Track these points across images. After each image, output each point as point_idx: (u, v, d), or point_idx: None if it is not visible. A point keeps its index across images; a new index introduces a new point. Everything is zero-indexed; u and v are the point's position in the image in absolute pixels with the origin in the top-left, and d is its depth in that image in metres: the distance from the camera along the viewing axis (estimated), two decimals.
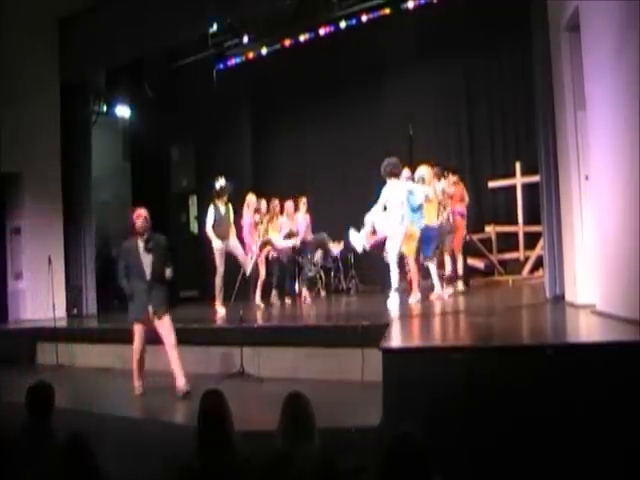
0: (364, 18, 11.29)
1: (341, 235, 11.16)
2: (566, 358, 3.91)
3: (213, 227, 9.01)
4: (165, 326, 6.27)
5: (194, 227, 13.65)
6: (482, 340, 5.07)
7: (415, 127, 10.39)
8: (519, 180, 10.34)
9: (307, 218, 10.51)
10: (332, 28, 11.62)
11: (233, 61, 13.03)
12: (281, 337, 6.95)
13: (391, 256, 7.74)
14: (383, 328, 5.63)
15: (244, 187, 10.38)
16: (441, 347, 4.73)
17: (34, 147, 11.08)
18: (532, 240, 9.98)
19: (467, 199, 9.11)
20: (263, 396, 5.93)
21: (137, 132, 13.97)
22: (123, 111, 13.58)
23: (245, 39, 11.88)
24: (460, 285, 8.58)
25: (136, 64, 12.03)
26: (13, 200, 11.48)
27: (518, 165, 10.35)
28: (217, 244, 9.00)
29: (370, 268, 10.58)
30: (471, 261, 9.93)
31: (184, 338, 6.57)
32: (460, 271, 8.72)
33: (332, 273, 11.22)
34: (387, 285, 8.21)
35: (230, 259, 9.18)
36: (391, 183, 7.80)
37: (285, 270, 10.09)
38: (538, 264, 9.49)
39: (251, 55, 12.71)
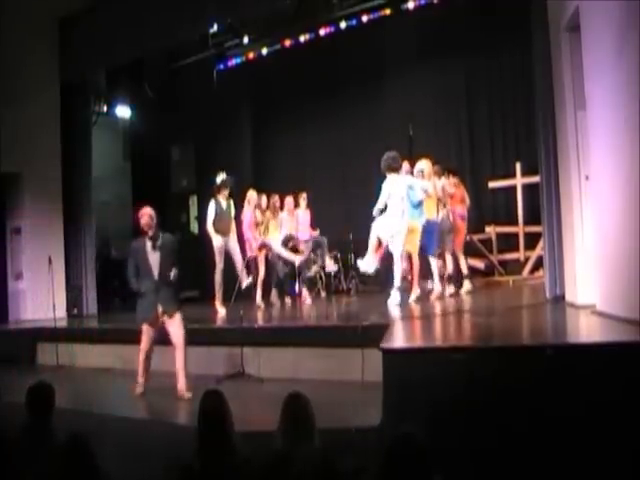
0: (364, 18, 11.28)
1: (341, 235, 11.29)
2: (566, 358, 3.91)
3: (214, 222, 9.00)
4: (175, 324, 6.24)
5: (194, 227, 13.66)
6: (482, 340, 5.07)
7: (415, 127, 10.37)
8: (519, 180, 10.33)
9: (308, 214, 10.51)
10: (332, 28, 11.60)
11: (233, 61, 13.02)
12: (281, 337, 6.95)
13: (395, 254, 7.73)
14: (383, 328, 5.63)
15: (244, 187, 10.35)
16: (441, 347, 4.72)
17: (34, 147, 11.08)
18: (532, 240, 9.97)
19: (468, 201, 9.11)
20: (263, 396, 5.93)
21: (137, 132, 13.99)
22: (123, 111, 13.60)
23: (245, 39, 11.88)
24: (467, 285, 8.57)
25: (136, 64, 12.04)
26: (13, 200, 11.48)
27: (518, 165, 10.35)
28: (217, 242, 9.00)
29: None
30: (471, 261, 9.92)
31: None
32: (465, 271, 8.71)
33: (332, 273, 11.22)
34: (387, 285, 8.22)
35: (230, 259, 9.18)
36: (391, 178, 7.80)
37: (285, 269, 10.07)
38: (538, 264, 9.48)
39: (251, 55, 12.70)
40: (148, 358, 6.40)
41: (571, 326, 5.51)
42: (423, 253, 8.17)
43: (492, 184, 10.68)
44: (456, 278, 8.63)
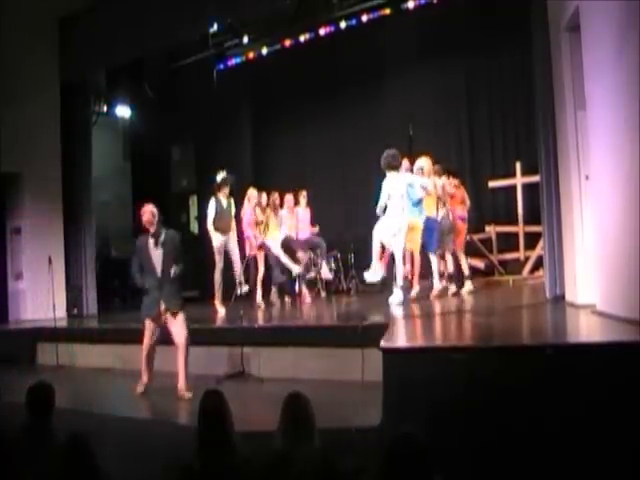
0: (364, 18, 11.28)
1: (341, 235, 11.29)
2: (566, 358, 3.91)
3: (214, 220, 9.00)
4: (177, 324, 6.22)
5: (194, 227, 13.66)
6: (482, 340, 5.07)
7: (415, 127, 10.35)
8: (519, 180, 10.33)
9: (308, 212, 10.52)
10: (332, 28, 11.60)
11: (233, 61, 13.02)
12: (281, 337, 6.95)
13: (397, 252, 7.73)
14: (383, 328, 5.63)
15: (245, 185, 10.35)
16: (441, 347, 4.72)
17: (34, 147, 11.08)
18: (532, 240, 9.97)
19: (468, 203, 9.10)
20: (263, 396, 5.94)
21: (137, 132, 14.00)
22: (123, 111, 13.60)
23: (245, 39, 11.87)
24: (468, 285, 8.56)
25: (136, 64, 12.04)
26: (13, 200, 11.48)
27: (518, 165, 10.35)
28: (217, 241, 9.00)
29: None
30: (471, 261, 9.92)
31: None
32: (466, 271, 8.71)
33: (332, 273, 11.22)
34: (387, 285, 8.21)
35: (229, 259, 9.18)
36: (391, 176, 7.79)
37: (281, 278, 10.04)
38: (538, 264, 9.49)
39: (251, 55, 12.70)
40: (150, 356, 6.38)
41: (571, 326, 5.51)
42: (423, 250, 8.18)
43: (492, 184, 10.69)
44: (457, 278, 8.62)
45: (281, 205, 10.17)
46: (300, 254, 10.12)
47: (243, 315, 7.10)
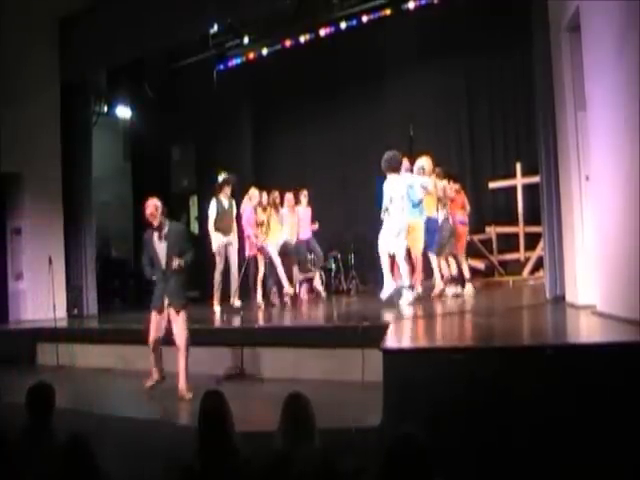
0: (364, 19, 11.27)
1: (341, 235, 11.29)
2: (566, 359, 3.91)
3: (215, 221, 8.98)
4: (178, 323, 6.18)
5: (195, 227, 13.66)
6: (483, 341, 5.07)
7: (416, 127, 10.38)
8: (519, 181, 10.33)
9: (309, 211, 10.51)
10: (332, 29, 11.59)
11: (233, 61, 13.01)
12: (282, 337, 6.95)
13: (399, 254, 7.72)
14: (383, 329, 5.63)
15: (245, 186, 10.35)
16: (442, 348, 4.73)
17: (34, 147, 11.08)
18: (532, 241, 9.97)
19: (468, 208, 9.14)
20: (264, 397, 5.94)
21: (137, 132, 14.00)
22: (124, 111, 13.60)
23: (245, 39, 11.87)
24: (469, 288, 8.55)
25: (136, 64, 12.03)
26: (13, 200, 11.47)
27: (519, 166, 10.35)
28: (217, 242, 8.99)
29: (370, 268, 10.57)
30: (472, 262, 9.93)
31: None
32: (467, 274, 8.70)
33: (332, 274, 11.22)
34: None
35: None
36: (391, 178, 7.79)
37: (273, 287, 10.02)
38: (538, 265, 9.49)
39: (251, 55, 12.69)
40: (156, 351, 6.32)
41: (571, 326, 5.51)
42: (424, 250, 8.18)
43: (492, 184, 10.69)
44: (459, 280, 8.64)
45: (281, 204, 10.17)
46: (295, 271, 10.11)
47: (243, 315, 7.10)
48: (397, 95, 11.56)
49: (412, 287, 8.05)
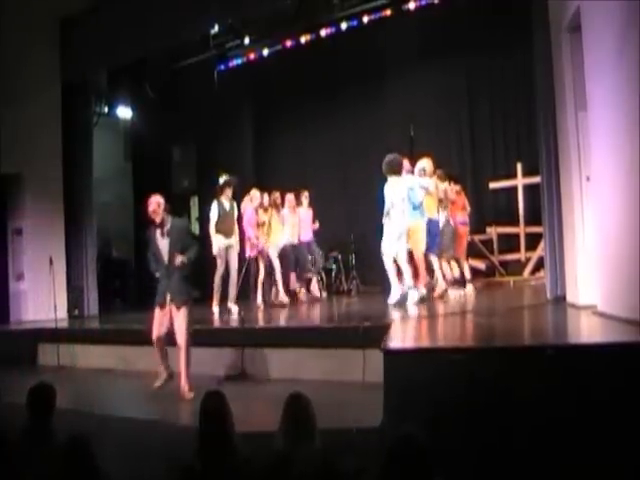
0: (365, 19, 11.26)
1: (342, 236, 11.29)
2: (567, 359, 3.91)
3: (216, 223, 8.99)
4: (179, 320, 6.14)
5: (195, 228, 13.65)
6: (483, 341, 5.07)
7: (416, 127, 10.37)
8: (520, 181, 10.33)
9: (310, 212, 10.51)
10: (333, 29, 11.58)
11: (234, 62, 13.00)
12: (282, 338, 6.95)
13: (400, 255, 7.71)
14: (384, 329, 5.63)
15: (246, 186, 10.35)
16: (442, 348, 4.72)
17: (35, 147, 11.08)
18: (533, 241, 9.97)
19: (469, 209, 9.16)
20: (264, 397, 5.93)
21: (138, 133, 14.00)
22: (124, 112, 13.61)
23: (246, 40, 11.87)
24: (470, 289, 8.54)
25: (138, 64, 12.02)
26: (14, 201, 11.48)
27: (519, 166, 10.35)
28: (218, 245, 8.98)
29: (371, 269, 10.56)
30: (472, 262, 9.93)
31: None
32: (468, 275, 8.70)
33: (333, 274, 11.22)
34: (387, 286, 8.19)
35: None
36: (392, 180, 7.79)
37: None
38: (539, 265, 9.49)
39: (252, 56, 12.68)
40: (161, 349, 6.30)
41: (572, 327, 5.51)
42: (425, 251, 8.17)
43: (493, 184, 10.69)
44: (461, 282, 8.64)
45: (282, 204, 10.17)
46: (292, 280, 10.09)
47: (243, 316, 7.10)
48: (398, 95, 11.56)
49: (416, 288, 8.05)
